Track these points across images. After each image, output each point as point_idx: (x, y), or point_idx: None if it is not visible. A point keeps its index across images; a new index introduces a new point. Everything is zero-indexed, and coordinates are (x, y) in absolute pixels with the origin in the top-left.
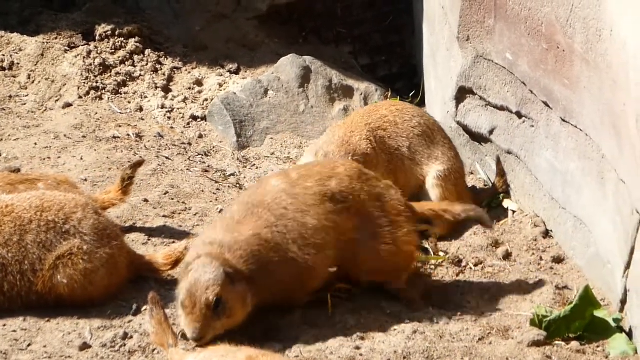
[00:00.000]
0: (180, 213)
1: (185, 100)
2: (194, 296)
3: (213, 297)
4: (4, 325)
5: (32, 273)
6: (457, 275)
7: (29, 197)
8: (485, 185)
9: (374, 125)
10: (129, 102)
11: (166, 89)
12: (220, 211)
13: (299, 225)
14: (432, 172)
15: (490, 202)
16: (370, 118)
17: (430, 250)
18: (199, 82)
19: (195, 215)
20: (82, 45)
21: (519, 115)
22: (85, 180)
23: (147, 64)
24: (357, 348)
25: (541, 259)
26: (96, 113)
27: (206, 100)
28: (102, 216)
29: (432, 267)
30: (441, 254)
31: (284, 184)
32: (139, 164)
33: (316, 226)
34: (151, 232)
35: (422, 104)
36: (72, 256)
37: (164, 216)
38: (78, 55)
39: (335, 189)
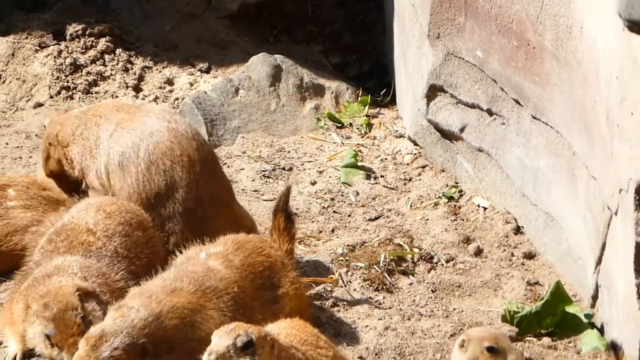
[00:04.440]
0: None
1: (156, 99)
2: None
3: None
4: None
5: None
6: (429, 271)
7: None
8: (457, 183)
9: None
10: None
11: (137, 89)
12: None
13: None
14: None
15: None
16: None
17: (405, 245)
18: (169, 82)
19: None
20: (53, 45)
21: (490, 112)
22: None
23: (117, 64)
24: None
25: (512, 255)
26: None
27: (177, 99)
28: None
29: (411, 263)
30: (415, 250)
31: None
32: None
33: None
34: None
35: (393, 102)
36: None
37: None
38: (49, 54)
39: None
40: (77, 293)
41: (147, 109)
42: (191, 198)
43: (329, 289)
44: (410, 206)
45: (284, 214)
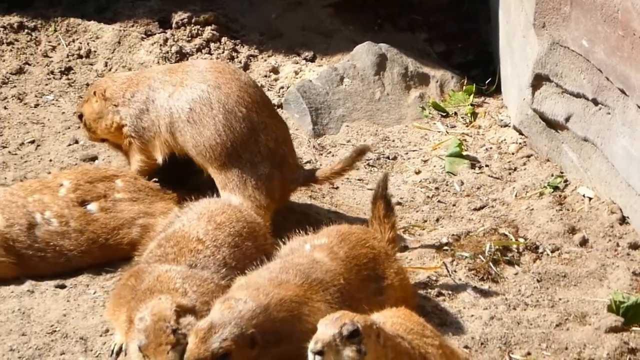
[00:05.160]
0: None
1: (261, 87)
2: None
3: None
4: None
5: None
6: (534, 261)
7: None
8: (562, 173)
9: None
10: None
11: None
12: None
13: None
14: None
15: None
16: None
17: (510, 235)
18: (275, 70)
19: None
20: (159, 33)
21: (595, 102)
22: None
23: (223, 52)
24: None
25: (618, 245)
26: None
27: (282, 88)
28: None
29: (516, 253)
30: (520, 240)
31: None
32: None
33: None
34: None
35: (498, 91)
36: None
37: None
38: (155, 43)
39: None
40: (174, 309)
41: (202, 64)
42: (271, 139)
43: (434, 278)
44: (515, 196)
45: (384, 201)
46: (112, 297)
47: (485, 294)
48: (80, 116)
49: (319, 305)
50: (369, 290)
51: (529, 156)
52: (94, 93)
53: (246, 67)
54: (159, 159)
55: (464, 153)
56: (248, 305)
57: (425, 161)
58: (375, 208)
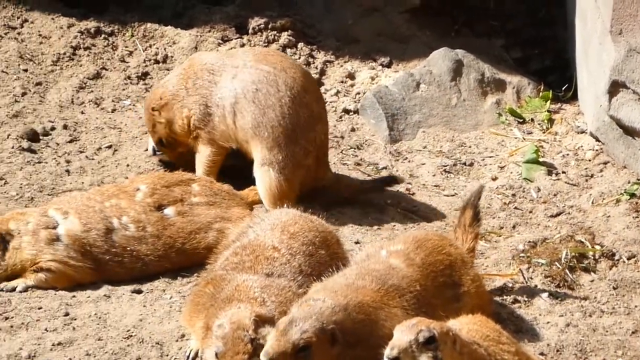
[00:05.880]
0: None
1: (337, 93)
2: None
3: None
4: None
5: None
6: (610, 268)
7: None
8: (639, 180)
9: None
10: None
11: (319, 83)
12: None
13: None
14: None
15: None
16: None
17: (587, 242)
18: (351, 76)
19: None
20: (235, 39)
21: None
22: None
23: (299, 58)
24: None
25: None
26: None
27: (358, 93)
28: None
29: (592, 260)
30: (597, 247)
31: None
32: None
33: None
34: None
35: (574, 97)
36: None
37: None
38: (231, 48)
39: None
40: (253, 318)
41: (259, 49)
42: (323, 132)
43: (510, 285)
44: (592, 203)
45: (473, 211)
46: (189, 303)
47: (561, 301)
48: (161, 142)
49: (395, 311)
50: (445, 297)
51: (605, 163)
52: (152, 109)
53: (322, 72)
54: (232, 145)
55: (541, 159)
56: (327, 303)
57: (501, 167)
58: (462, 215)
